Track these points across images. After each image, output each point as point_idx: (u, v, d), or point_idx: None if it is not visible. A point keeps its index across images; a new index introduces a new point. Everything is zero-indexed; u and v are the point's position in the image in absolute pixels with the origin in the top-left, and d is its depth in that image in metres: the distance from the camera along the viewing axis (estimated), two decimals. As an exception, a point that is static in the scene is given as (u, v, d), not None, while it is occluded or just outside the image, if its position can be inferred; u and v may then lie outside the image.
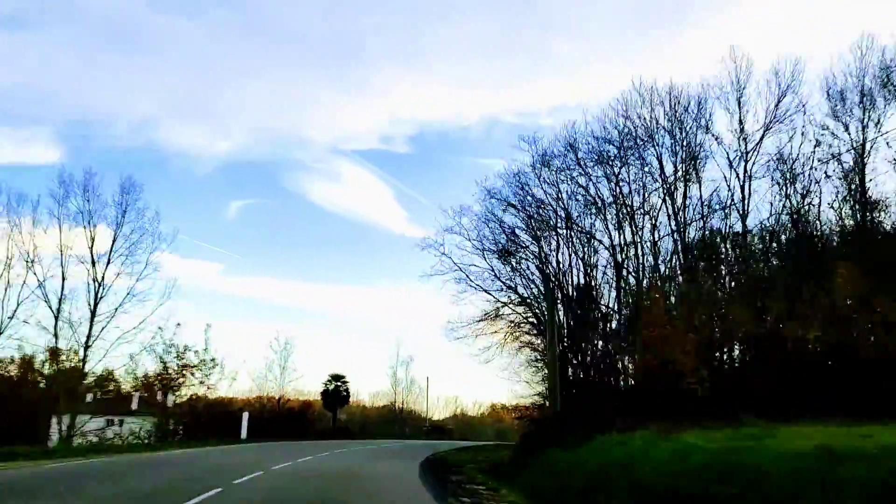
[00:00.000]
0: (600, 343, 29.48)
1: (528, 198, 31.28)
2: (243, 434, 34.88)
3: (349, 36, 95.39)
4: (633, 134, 27.70)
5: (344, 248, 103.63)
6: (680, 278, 25.35)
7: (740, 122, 24.70)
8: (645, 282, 26.81)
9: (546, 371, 42.73)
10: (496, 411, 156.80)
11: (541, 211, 31.48)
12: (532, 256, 32.16)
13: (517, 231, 32.10)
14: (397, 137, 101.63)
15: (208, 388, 33.52)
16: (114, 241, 31.61)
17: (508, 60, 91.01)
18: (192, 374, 32.36)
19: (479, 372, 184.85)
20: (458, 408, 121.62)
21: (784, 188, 23.30)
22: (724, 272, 24.33)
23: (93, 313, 30.24)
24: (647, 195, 27.70)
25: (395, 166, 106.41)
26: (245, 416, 36.23)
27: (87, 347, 29.84)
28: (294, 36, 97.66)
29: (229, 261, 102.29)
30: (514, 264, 32.31)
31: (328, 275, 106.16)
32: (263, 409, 44.28)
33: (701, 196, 25.64)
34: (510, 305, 32.73)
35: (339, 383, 54.34)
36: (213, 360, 32.66)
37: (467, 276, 32.19)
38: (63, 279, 30.49)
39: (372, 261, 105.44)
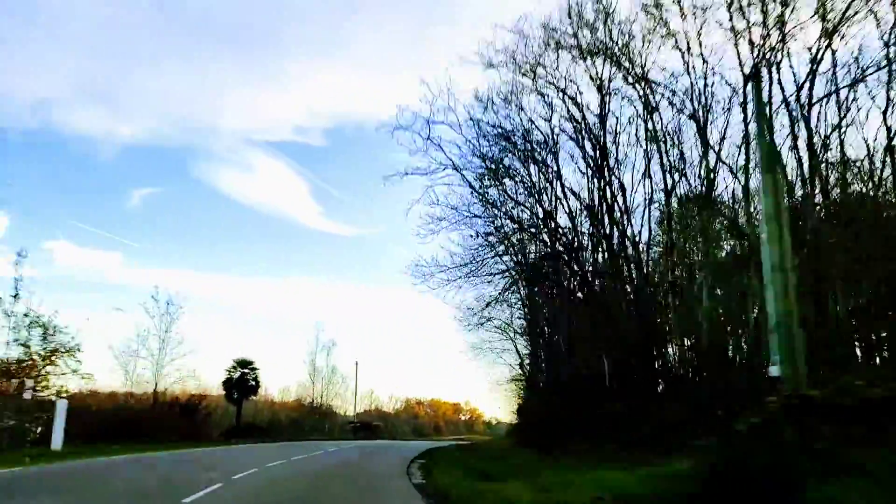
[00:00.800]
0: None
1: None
2: (57, 439, 21.55)
3: (266, 24, 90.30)
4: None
5: (255, 241, 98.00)
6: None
7: None
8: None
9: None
10: (411, 406, 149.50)
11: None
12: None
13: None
14: (313, 129, 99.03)
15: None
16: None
17: (426, 53, 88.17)
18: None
19: (399, 364, 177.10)
20: (374, 403, 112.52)
21: None
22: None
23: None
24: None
25: (310, 159, 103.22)
26: (61, 407, 22.11)
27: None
28: (209, 22, 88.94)
29: (129, 251, 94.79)
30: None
31: (240, 268, 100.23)
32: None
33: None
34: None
35: (245, 370, 42.67)
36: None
37: (462, 176, 23.47)
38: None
39: (285, 254, 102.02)
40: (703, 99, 19.54)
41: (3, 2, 71.15)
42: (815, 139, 17.05)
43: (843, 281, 14.69)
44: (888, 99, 15.81)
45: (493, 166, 24.07)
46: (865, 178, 17.08)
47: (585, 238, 25.60)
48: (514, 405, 49.40)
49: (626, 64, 21.35)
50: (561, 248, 24.92)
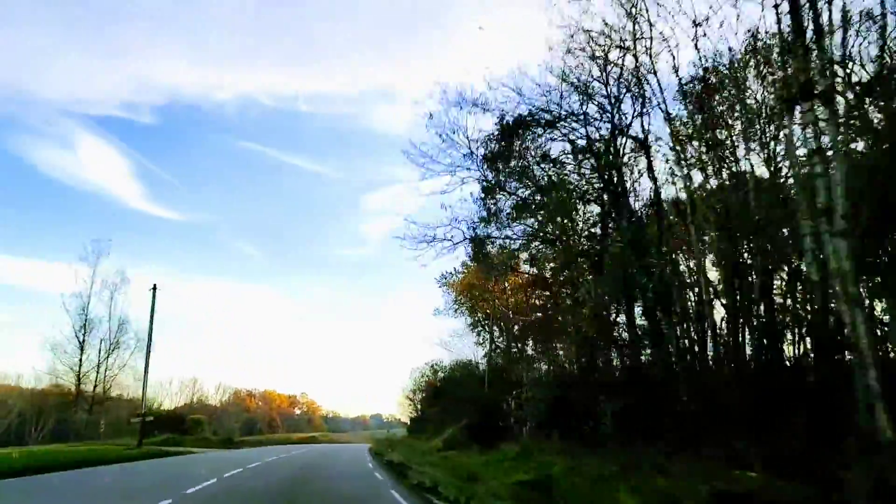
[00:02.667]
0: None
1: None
2: None
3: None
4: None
5: (68, 220, 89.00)
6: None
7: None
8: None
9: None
10: (241, 399, 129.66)
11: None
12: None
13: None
14: (142, 106, 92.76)
15: None
16: None
17: (270, 42, 78.47)
18: None
19: (231, 354, 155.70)
20: (196, 394, 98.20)
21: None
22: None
23: None
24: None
25: (137, 137, 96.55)
26: None
27: None
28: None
29: None
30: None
31: (47, 252, 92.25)
32: None
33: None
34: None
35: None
36: None
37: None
38: None
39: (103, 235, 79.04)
40: None
41: None
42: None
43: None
44: None
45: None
46: None
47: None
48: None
49: None
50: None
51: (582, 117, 18.33)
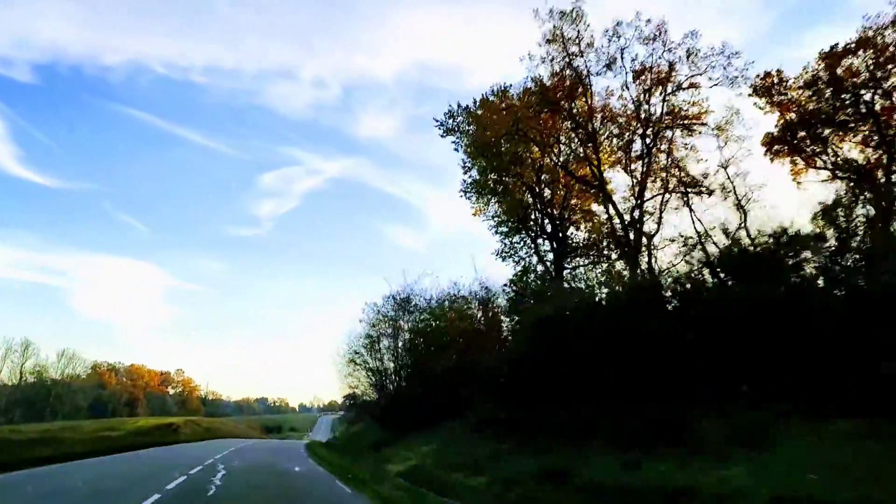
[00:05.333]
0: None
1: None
2: None
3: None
4: None
5: None
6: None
7: None
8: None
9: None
10: (99, 373, 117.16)
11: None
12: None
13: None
14: (20, 62, 76.81)
15: None
16: None
17: (164, 7, 75.22)
18: None
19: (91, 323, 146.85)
20: (28, 360, 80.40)
21: None
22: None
23: None
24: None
25: (13, 95, 78.45)
26: None
27: None
28: None
29: None
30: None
31: None
32: None
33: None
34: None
35: None
36: None
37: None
38: None
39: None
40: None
41: None
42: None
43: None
44: None
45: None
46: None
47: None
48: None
49: None
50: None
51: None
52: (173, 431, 49.74)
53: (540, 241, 25.84)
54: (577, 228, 26.22)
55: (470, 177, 27.38)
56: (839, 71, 20.56)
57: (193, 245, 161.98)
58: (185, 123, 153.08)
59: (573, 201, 26.47)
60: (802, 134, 21.84)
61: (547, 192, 27.01)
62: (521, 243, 26.27)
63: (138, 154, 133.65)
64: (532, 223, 26.60)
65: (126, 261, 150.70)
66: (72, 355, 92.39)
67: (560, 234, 25.17)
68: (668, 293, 17.33)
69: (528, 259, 26.38)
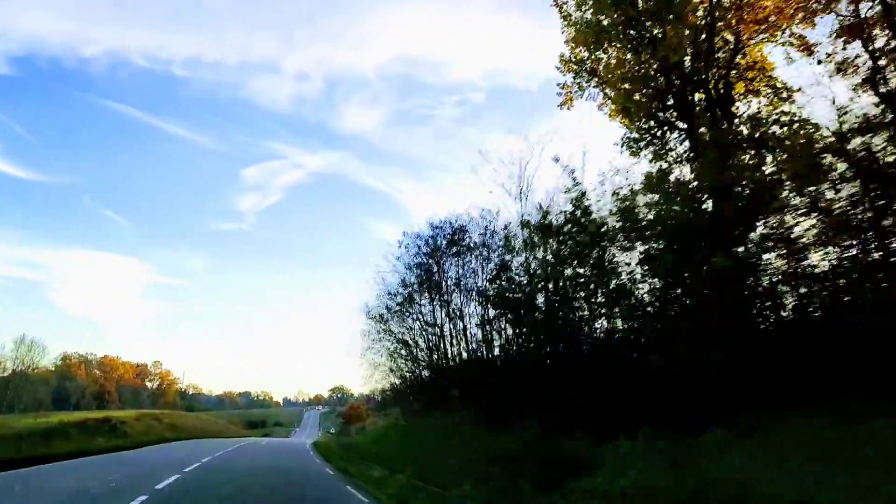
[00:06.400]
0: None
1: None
2: None
3: None
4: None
5: None
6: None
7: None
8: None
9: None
10: (69, 365, 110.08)
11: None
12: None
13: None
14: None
15: None
16: None
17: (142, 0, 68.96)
18: None
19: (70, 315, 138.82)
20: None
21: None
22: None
23: None
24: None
25: None
26: None
27: None
28: None
29: None
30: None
31: None
32: None
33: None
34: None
35: None
36: None
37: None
38: None
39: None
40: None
41: None
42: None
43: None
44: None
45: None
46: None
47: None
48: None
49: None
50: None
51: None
52: (110, 430, 35.93)
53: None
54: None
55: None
56: None
57: (176, 239, 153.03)
58: (167, 117, 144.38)
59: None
60: None
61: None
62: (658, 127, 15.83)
63: (119, 148, 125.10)
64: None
65: (108, 255, 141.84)
66: (31, 344, 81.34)
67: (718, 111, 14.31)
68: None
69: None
